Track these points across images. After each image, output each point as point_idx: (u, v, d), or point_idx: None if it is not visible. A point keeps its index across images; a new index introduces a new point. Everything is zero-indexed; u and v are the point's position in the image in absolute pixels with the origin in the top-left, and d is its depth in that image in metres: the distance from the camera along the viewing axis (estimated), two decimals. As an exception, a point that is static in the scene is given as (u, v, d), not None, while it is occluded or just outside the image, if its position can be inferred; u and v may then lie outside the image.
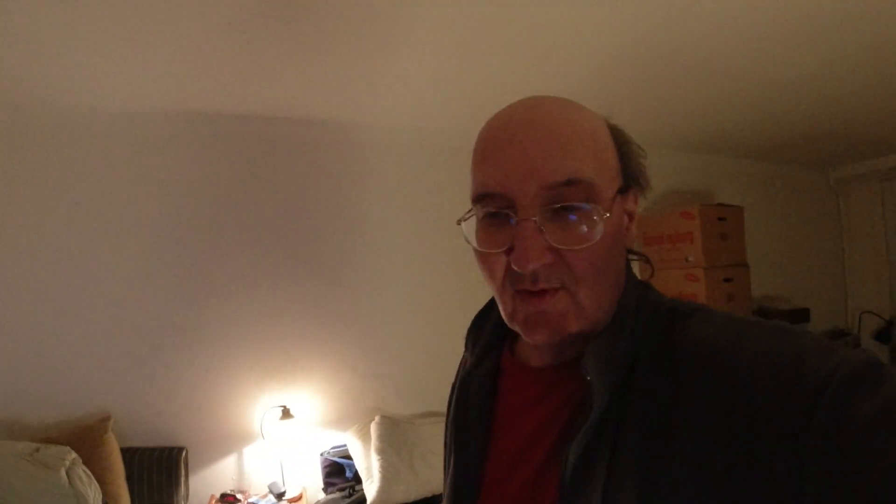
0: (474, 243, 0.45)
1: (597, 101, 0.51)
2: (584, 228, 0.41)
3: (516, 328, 0.46)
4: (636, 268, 0.55)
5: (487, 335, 0.58)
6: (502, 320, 0.49)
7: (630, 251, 0.51)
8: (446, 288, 2.56)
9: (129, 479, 1.84)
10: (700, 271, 2.60)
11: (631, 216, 0.48)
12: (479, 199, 0.44)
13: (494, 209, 0.43)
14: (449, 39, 1.65)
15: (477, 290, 0.60)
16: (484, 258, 0.45)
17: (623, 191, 0.45)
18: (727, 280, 2.67)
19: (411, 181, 2.60)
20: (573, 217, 0.41)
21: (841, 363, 0.33)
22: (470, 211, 0.46)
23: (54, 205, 2.04)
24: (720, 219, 2.71)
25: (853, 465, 0.29)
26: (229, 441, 2.18)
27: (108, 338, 2.05)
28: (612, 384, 0.41)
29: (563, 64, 1.87)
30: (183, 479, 1.98)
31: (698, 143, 3.11)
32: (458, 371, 0.61)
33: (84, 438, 1.78)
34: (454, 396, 0.59)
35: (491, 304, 0.59)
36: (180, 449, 2.02)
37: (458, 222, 0.47)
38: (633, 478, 0.37)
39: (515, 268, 0.42)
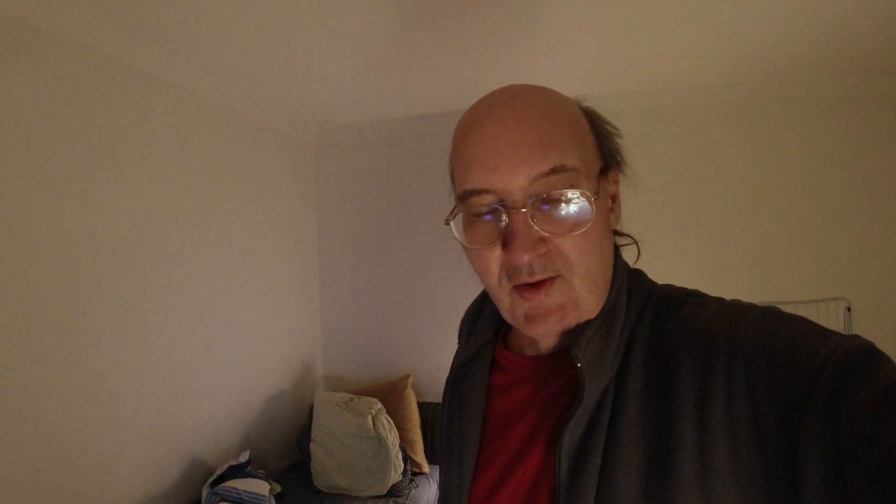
0: (465, 241, 0.45)
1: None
2: (574, 215, 0.41)
3: (517, 324, 0.46)
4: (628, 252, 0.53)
5: (481, 328, 0.57)
6: (496, 313, 0.52)
7: (617, 233, 0.51)
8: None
9: (422, 428, 2.23)
10: None
11: (613, 198, 0.48)
12: (466, 195, 0.43)
13: (483, 205, 0.43)
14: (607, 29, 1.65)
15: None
16: (477, 255, 0.45)
17: (604, 171, 0.45)
18: None
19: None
20: (562, 205, 0.41)
21: (835, 349, 0.32)
22: (455, 209, 0.45)
23: (358, 204, 2.64)
24: None
25: (850, 452, 0.29)
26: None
27: (409, 316, 2.56)
28: (605, 372, 0.42)
29: None
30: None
31: None
32: (452, 366, 0.60)
33: (388, 393, 2.25)
34: (448, 391, 0.59)
35: (483, 297, 0.59)
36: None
37: (447, 222, 0.46)
38: (632, 463, 0.38)
39: (512, 261, 0.42)
